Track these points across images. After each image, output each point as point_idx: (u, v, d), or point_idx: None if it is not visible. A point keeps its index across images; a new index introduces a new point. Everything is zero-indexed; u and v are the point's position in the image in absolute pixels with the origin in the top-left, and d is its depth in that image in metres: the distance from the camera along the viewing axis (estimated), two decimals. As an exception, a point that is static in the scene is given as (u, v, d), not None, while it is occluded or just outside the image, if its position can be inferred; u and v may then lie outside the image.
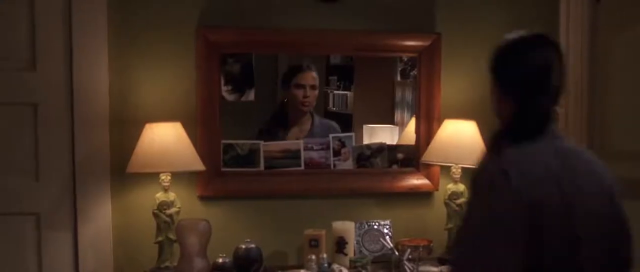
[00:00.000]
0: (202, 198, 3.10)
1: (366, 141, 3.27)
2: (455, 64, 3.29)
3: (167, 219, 2.87)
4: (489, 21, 3.32)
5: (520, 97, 1.81)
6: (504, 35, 1.88)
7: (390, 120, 3.35)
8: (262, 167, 3.13)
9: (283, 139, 3.19)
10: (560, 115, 3.26)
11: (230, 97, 3.12)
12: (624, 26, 3.19)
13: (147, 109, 3.02)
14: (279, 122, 3.21)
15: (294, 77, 3.20)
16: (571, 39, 3.31)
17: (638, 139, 3.10)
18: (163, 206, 2.87)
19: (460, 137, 3.09)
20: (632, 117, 3.13)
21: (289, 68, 3.22)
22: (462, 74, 3.29)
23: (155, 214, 2.87)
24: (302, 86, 3.19)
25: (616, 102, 3.24)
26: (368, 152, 3.25)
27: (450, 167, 3.14)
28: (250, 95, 3.13)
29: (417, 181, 3.29)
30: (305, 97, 3.19)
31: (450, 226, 3.12)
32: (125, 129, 2.99)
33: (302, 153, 3.17)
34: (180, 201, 2.93)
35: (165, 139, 2.85)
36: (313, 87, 3.21)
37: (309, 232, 2.98)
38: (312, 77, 3.21)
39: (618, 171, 3.22)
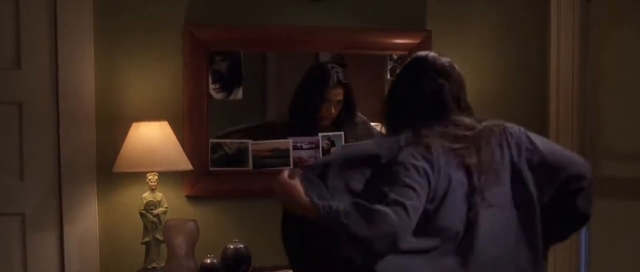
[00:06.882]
0: (190, 198, 3.08)
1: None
2: (445, 62, 3.27)
3: (154, 219, 2.84)
4: (479, 19, 3.32)
5: None
6: None
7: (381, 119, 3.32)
8: (250, 166, 3.10)
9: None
10: (552, 115, 3.30)
11: (218, 96, 3.09)
12: (615, 25, 3.18)
13: (133, 107, 2.99)
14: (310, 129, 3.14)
15: (323, 91, 3.13)
16: (562, 38, 3.31)
17: (630, 138, 3.10)
18: (150, 206, 2.84)
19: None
20: (624, 117, 3.13)
21: (316, 76, 3.17)
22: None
23: (142, 214, 2.84)
24: (329, 100, 3.15)
25: (608, 102, 3.24)
26: (357, 151, 3.22)
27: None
28: (239, 94, 3.11)
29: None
30: (329, 111, 3.14)
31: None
32: (112, 128, 2.96)
33: (291, 152, 3.14)
34: (167, 201, 2.90)
35: (152, 138, 2.81)
36: (339, 101, 3.15)
37: (298, 232, 2.96)
38: (339, 93, 3.14)
39: (609, 170, 3.24)
